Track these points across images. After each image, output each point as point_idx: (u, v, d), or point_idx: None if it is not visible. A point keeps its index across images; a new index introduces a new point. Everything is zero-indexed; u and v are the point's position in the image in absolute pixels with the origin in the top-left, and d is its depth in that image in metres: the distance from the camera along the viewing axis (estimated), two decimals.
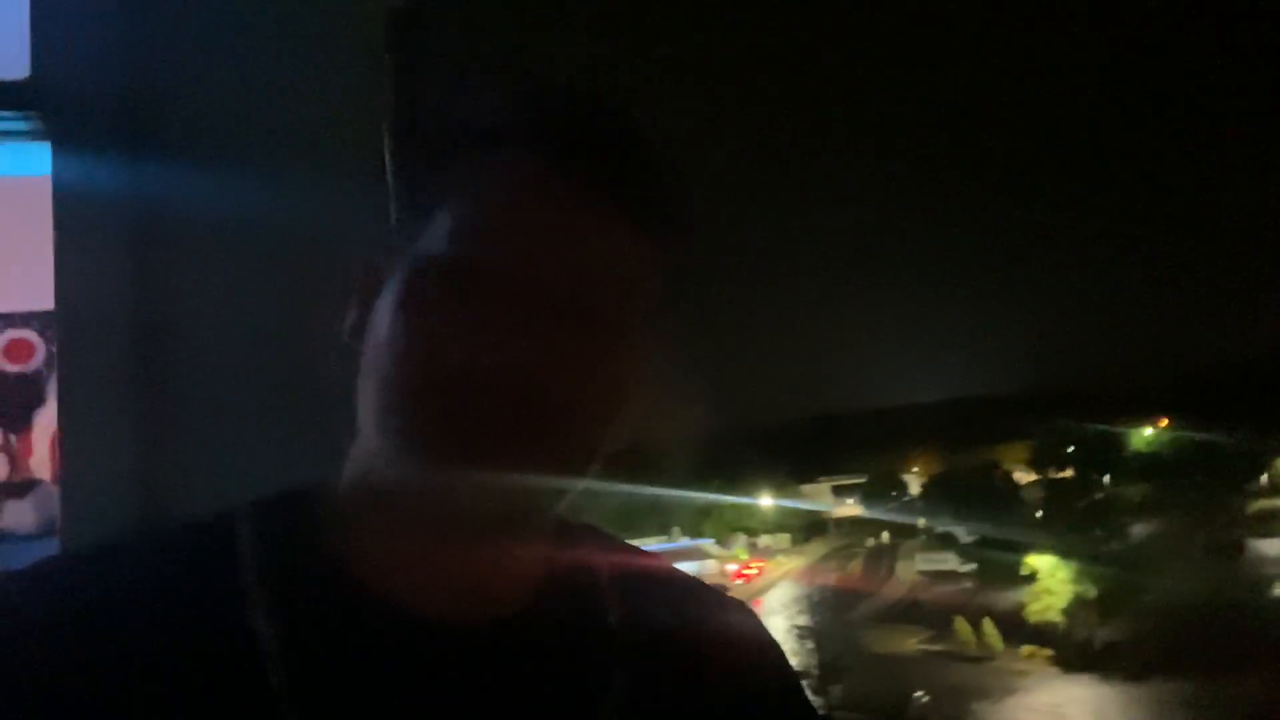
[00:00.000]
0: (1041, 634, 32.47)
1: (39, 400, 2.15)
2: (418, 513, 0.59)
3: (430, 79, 1.32)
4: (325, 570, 0.59)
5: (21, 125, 1.11)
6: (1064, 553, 34.45)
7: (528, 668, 0.61)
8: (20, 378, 2.34)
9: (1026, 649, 31.86)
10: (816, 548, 55.03)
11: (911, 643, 33.99)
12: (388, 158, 1.16)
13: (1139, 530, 39.77)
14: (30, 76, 1.11)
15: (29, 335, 2.44)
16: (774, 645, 0.77)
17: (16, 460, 2.16)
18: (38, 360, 2.35)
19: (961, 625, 33.61)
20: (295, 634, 0.55)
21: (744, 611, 0.77)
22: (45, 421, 2.15)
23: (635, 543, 0.78)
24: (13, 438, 2.20)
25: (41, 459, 2.15)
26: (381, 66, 1.22)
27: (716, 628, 0.73)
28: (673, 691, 0.65)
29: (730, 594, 0.83)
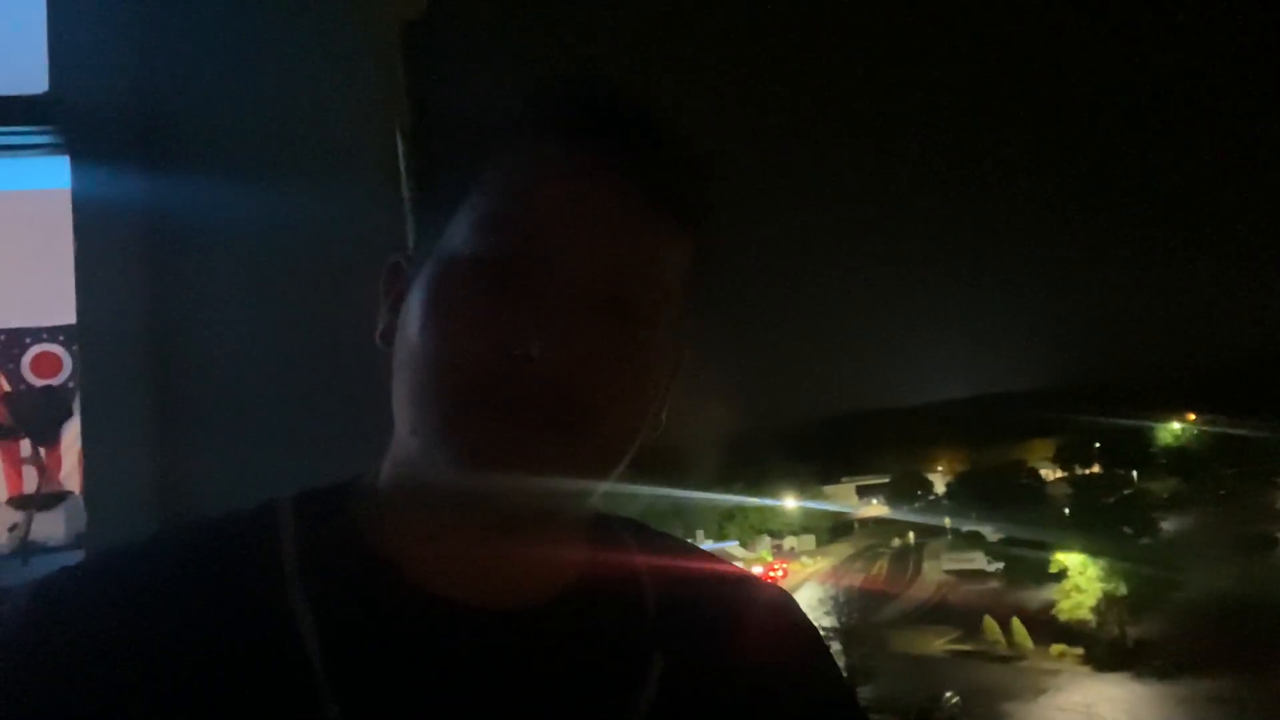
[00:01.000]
0: (1072, 632, 32.17)
1: (67, 414, 2.17)
2: (455, 508, 0.59)
3: (446, 83, 1.33)
4: (365, 560, 0.60)
5: (41, 139, 1.13)
6: (1093, 550, 34.08)
7: (566, 655, 0.61)
8: (48, 391, 2.36)
9: (1057, 648, 31.58)
10: (842, 549, 54.80)
11: (940, 643, 33.75)
12: (403, 163, 1.17)
13: (1168, 526, 39.31)
14: (49, 91, 1.13)
15: (56, 349, 2.47)
16: (812, 631, 0.76)
17: (46, 473, 2.19)
18: (65, 374, 2.37)
19: (990, 625, 33.34)
20: (336, 622, 0.56)
21: (781, 597, 0.76)
22: (74, 435, 2.17)
23: (703, 549, 0.77)
24: (42, 451, 2.23)
25: (70, 472, 2.17)
26: (394, 76, 1.23)
27: (754, 614, 0.71)
28: (711, 677, 0.64)
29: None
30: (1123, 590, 32.47)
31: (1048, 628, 32.70)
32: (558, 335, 0.55)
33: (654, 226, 0.60)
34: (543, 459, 0.56)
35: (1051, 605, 34.29)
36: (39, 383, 2.35)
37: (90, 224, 1.08)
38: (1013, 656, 31.85)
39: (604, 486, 0.63)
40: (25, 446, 2.18)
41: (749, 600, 0.73)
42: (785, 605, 0.75)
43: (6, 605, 0.55)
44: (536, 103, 0.63)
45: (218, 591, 0.56)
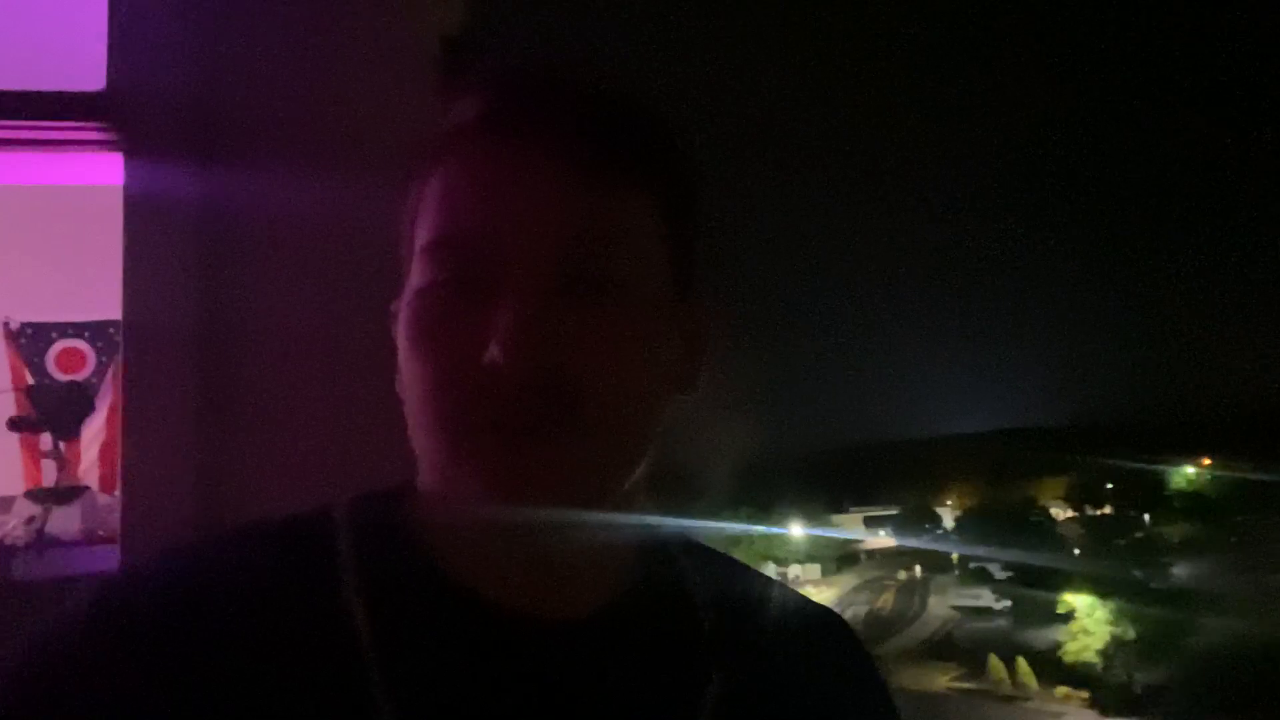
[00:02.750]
0: (1077, 675, 31.75)
1: (89, 409, 2.19)
2: (486, 529, 0.58)
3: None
4: (421, 566, 0.59)
5: (95, 135, 1.14)
6: (1102, 592, 33.72)
7: (621, 667, 0.59)
8: (71, 386, 2.39)
9: (1062, 690, 31.16)
10: (847, 579, 54.31)
11: (943, 680, 33.36)
12: None
13: (1180, 571, 38.82)
14: (106, 89, 1.14)
15: (80, 345, 2.50)
16: (866, 655, 0.74)
17: (65, 467, 2.20)
18: (88, 370, 2.40)
19: (995, 663, 32.93)
20: (392, 626, 0.56)
21: (838, 621, 0.75)
22: (94, 430, 2.19)
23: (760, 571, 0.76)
24: (62, 445, 2.24)
25: (89, 467, 2.19)
26: (451, 86, 1.25)
27: (812, 638, 0.70)
28: (769, 700, 0.63)
29: None
30: (1131, 634, 32.06)
31: (1053, 669, 32.28)
32: (518, 328, 0.52)
33: (596, 188, 0.55)
34: (545, 471, 0.54)
35: (1058, 646, 33.86)
36: (63, 378, 2.37)
37: (140, 220, 1.08)
38: (1017, 696, 31.42)
39: (632, 479, 0.60)
40: (46, 440, 2.20)
41: (806, 623, 0.72)
42: (842, 630, 0.74)
43: (69, 605, 0.55)
44: (457, 101, 0.61)
45: (276, 595, 0.56)
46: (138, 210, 1.08)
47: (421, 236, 0.58)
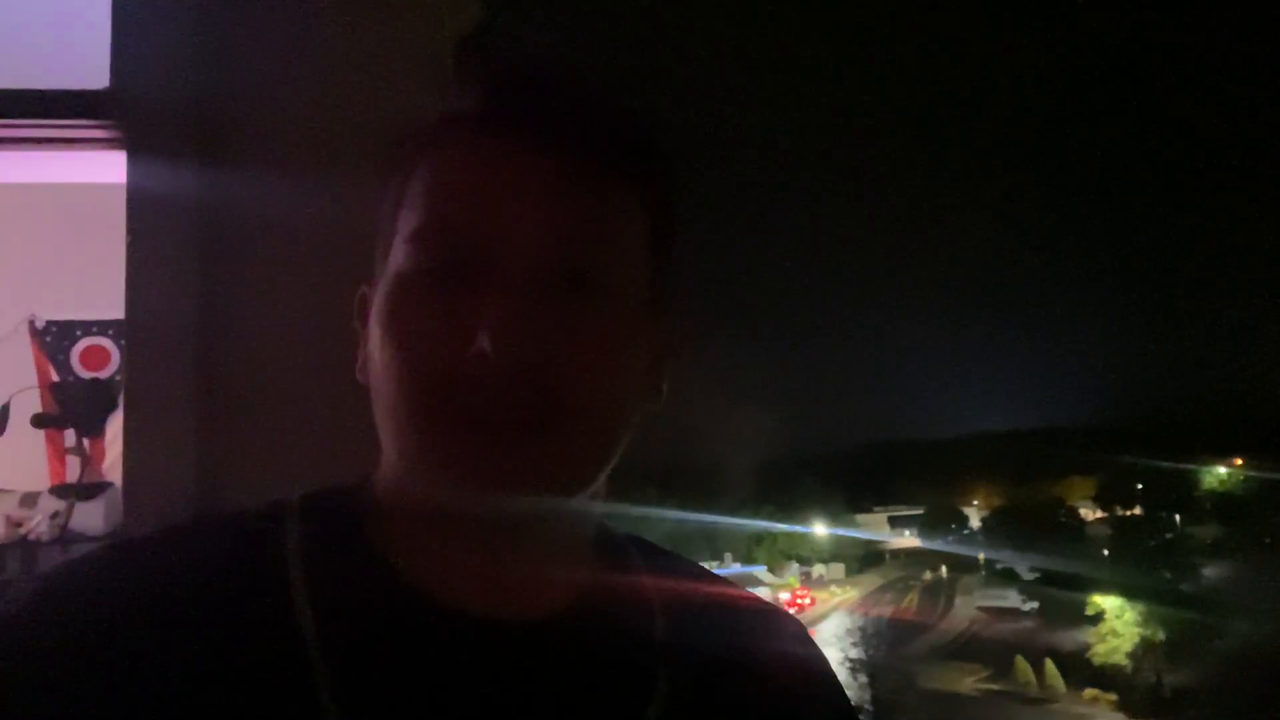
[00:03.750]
0: (1106, 677, 31.43)
1: (113, 406, 2.22)
2: (444, 520, 0.58)
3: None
4: (370, 563, 0.59)
5: (100, 134, 1.16)
6: (1131, 594, 33.35)
7: (571, 669, 0.59)
8: (95, 383, 2.41)
9: (1090, 692, 30.87)
10: (871, 579, 54.01)
11: (970, 681, 33.11)
12: None
13: (1210, 573, 38.29)
14: (109, 87, 1.15)
15: (104, 342, 2.52)
16: (820, 658, 0.74)
17: (89, 463, 2.23)
18: (112, 367, 2.43)
19: (1022, 665, 32.67)
20: (339, 624, 0.55)
21: (790, 622, 0.75)
22: (118, 427, 2.21)
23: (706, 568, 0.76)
24: (86, 441, 2.27)
25: (113, 463, 2.21)
26: (447, 81, 1.25)
27: (763, 638, 0.70)
28: (718, 700, 0.63)
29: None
30: (1161, 636, 31.70)
31: (1081, 671, 31.98)
32: (508, 320, 0.52)
33: (588, 187, 0.56)
34: (519, 464, 0.54)
35: (1086, 648, 33.57)
36: (87, 375, 2.40)
37: (143, 219, 1.09)
38: (1044, 699, 31.15)
39: (600, 480, 0.60)
40: (70, 436, 2.23)
41: (757, 624, 0.71)
42: (794, 631, 0.74)
43: (13, 595, 0.55)
44: (445, 96, 0.61)
45: (221, 589, 0.55)
46: (140, 208, 1.09)
47: (409, 222, 0.57)
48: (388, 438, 0.58)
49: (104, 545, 0.60)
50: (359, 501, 0.62)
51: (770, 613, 0.74)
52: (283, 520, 0.60)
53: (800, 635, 0.74)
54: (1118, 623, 32.76)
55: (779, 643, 0.72)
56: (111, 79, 1.15)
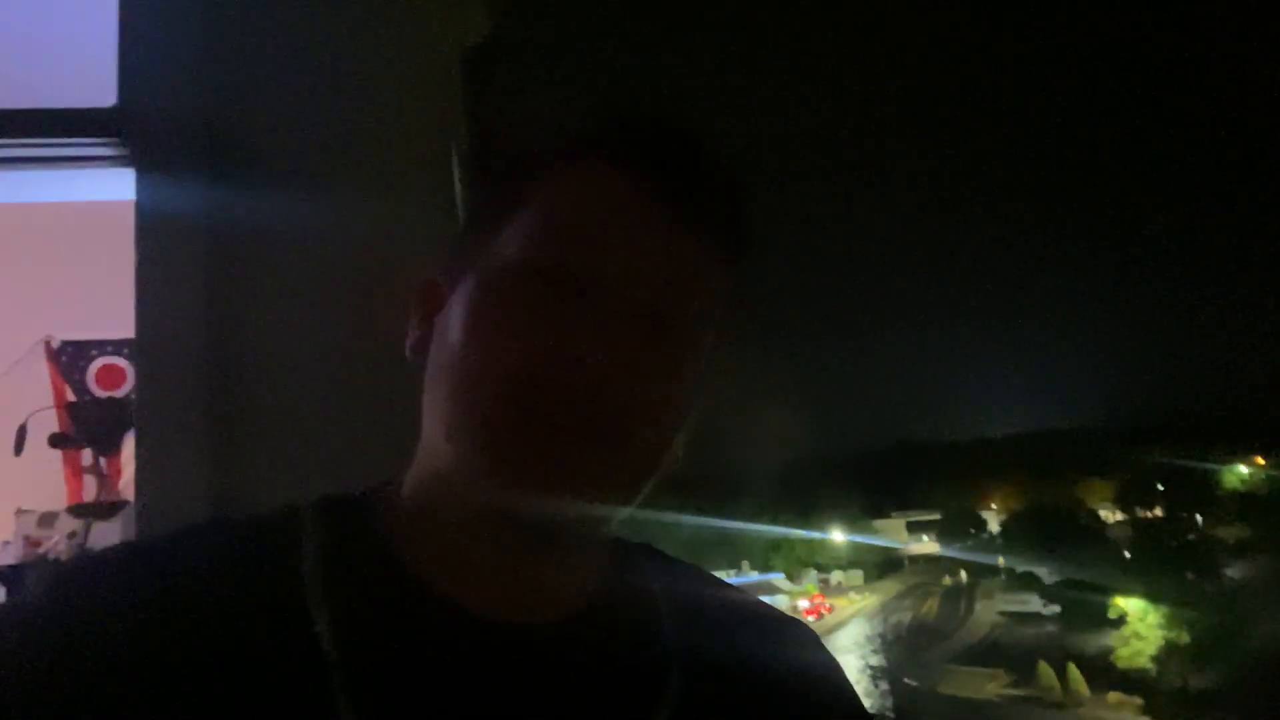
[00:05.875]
0: (1130, 681, 31.13)
1: (128, 424, 2.23)
2: (481, 519, 0.59)
3: (504, 105, 1.34)
4: (385, 566, 0.60)
5: (108, 151, 1.16)
6: (1154, 596, 33.04)
7: (583, 672, 0.61)
8: (111, 403, 2.43)
9: (1114, 696, 30.58)
10: (890, 585, 53.71)
11: (992, 686, 32.84)
12: (457, 180, 1.18)
13: (1234, 573, 37.88)
14: (117, 104, 1.16)
15: (120, 362, 2.54)
16: (833, 664, 0.74)
17: (105, 482, 2.24)
18: (128, 386, 2.44)
19: (1045, 670, 32.37)
20: (354, 626, 0.56)
21: (802, 629, 0.75)
22: (134, 446, 2.22)
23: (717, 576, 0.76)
24: (102, 460, 2.29)
25: (129, 482, 2.22)
26: (454, 98, 1.25)
27: (774, 644, 0.71)
28: (728, 705, 0.64)
29: None
30: (1186, 639, 31.37)
31: (1105, 675, 31.68)
32: (606, 344, 0.56)
33: (698, 250, 0.61)
34: (576, 474, 0.57)
35: (1110, 652, 33.27)
36: (103, 394, 2.42)
37: (152, 236, 1.10)
38: (1068, 704, 30.87)
39: (632, 503, 0.62)
40: (87, 456, 2.24)
41: (768, 630, 0.72)
42: (806, 637, 0.74)
43: (25, 593, 0.56)
44: (590, 125, 0.65)
45: (236, 591, 0.56)
46: (149, 225, 1.10)
47: (528, 235, 0.61)
48: (447, 417, 0.59)
49: (118, 546, 0.60)
50: (376, 504, 0.64)
51: (781, 619, 0.74)
52: (298, 522, 0.61)
53: (812, 641, 0.74)
54: (1141, 625, 32.45)
55: (790, 649, 0.72)
56: (119, 97, 1.16)
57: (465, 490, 0.59)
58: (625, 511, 0.62)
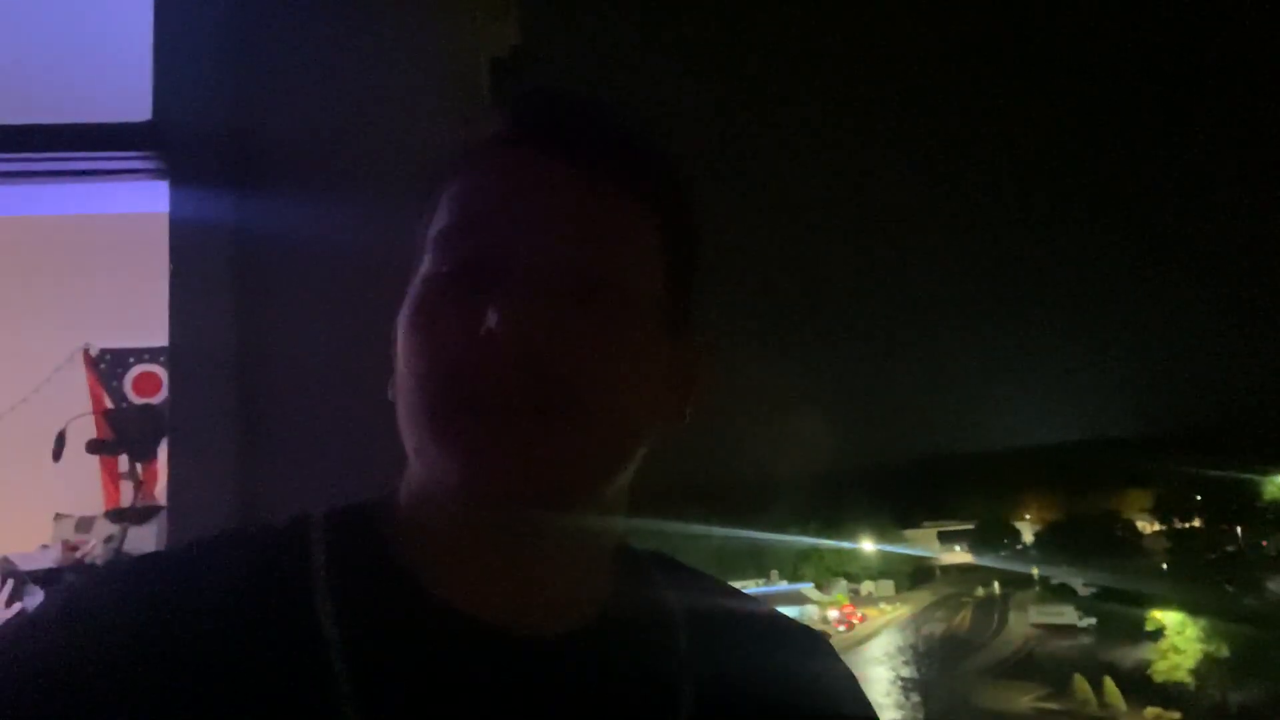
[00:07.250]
0: (1168, 695, 30.58)
1: (164, 431, 2.26)
2: (465, 526, 0.59)
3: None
4: (393, 576, 0.60)
5: (144, 165, 1.19)
6: (1192, 608, 32.46)
7: (593, 684, 0.60)
8: (147, 409, 2.47)
9: (1152, 710, 30.03)
10: (922, 596, 53.16)
11: (1026, 700, 32.38)
12: None
13: (1276, 586, 37.09)
14: (152, 119, 1.18)
15: (156, 369, 2.59)
16: (847, 674, 0.73)
17: (142, 487, 2.28)
18: (164, 393, 2.48)
19: (1080, 683, 31.89)
20: (362, 636, 0.56)
21: (818, 640, 0.73)
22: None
23: (732, 585, 0.75)
24: (139, 466, 2.32)
25: (165, 487, 2.26)
26: (481, 106, 1.25)
27: (789, 655, 0.70)
28: (742, 715, 0.63)
29: (830, 639, 0.79)
30: (1224, 652, 30.79)
31: (1142, 689, 31.15)
32: (516, 306, 0.55)
33: (600, 201, 0.59)
34: (534, 453, 0.55)
35: (1147, 665, 32.72)
36: (139, 401, 2.46)
37: (185, 247, 1.11)
38: (1105, 717, 30.39)
39: (611, 485, 0.61)
40: (124, 462, 2.28)
41: (783, 640, 0.71)
42: (821, 647, 0.73)
43: (40, 606, 0.56)
44: (478, 122, 0.64)
45: (245, 601, 0.56)
46: (182, 236, 1.12)
47: (434, 231, 0.60)
48: (407, 438, 0.59)
49: (130, 558, 0.62)
50: (382, 515, 0.63)
51: (797, 630, 0.73)
52: (307, 533, 0.61)
53: (827, 651, 0.73)
54: (1179, 639, 31.89)
55: (806, 660, 0.71)
56: (154, 112, 1.18)
57: (443, 499, 0.59)
58: (603, 500, 0.61)
